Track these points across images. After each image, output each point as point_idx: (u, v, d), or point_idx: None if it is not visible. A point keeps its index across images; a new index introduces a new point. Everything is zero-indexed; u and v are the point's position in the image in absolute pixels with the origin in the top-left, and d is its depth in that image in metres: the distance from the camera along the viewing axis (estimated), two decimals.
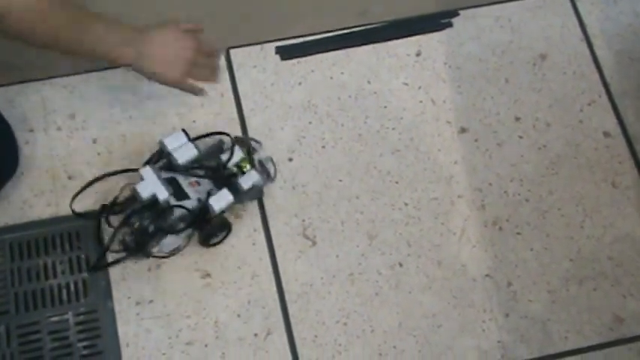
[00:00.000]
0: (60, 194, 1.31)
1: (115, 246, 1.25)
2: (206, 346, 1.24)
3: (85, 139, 1.35)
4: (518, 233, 1.35)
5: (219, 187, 1.26)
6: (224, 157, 1.28)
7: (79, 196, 1.30)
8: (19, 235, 1.29)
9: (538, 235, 1.35)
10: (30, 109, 1.36)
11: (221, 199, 1.24)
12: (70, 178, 1.32)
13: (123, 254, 1.25)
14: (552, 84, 1.45)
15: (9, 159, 1.30)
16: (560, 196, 1.38)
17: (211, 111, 1.38)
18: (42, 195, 1.31)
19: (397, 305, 1.29)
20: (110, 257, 1.27)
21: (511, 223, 1.36)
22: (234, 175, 1.27)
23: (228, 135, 1.32)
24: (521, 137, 1.41)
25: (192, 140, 1.28)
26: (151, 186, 1.21)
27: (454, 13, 1.49)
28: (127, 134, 1.35)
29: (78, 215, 1.28)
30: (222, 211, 1.26)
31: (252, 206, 1.33)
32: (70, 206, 1.29)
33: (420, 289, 1.30)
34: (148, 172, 1.22)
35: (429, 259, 1.32)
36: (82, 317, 1.25)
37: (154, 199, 1.21)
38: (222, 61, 1.42)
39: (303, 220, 1.33)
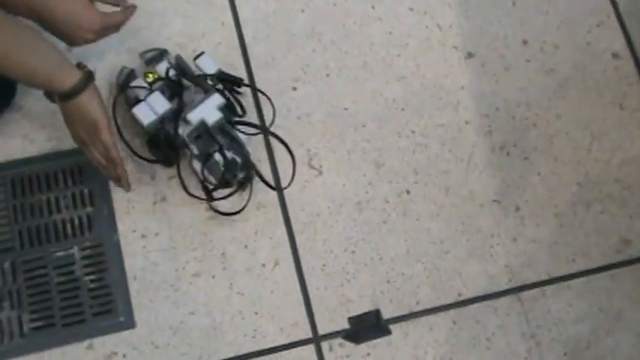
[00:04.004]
0: (60, 128, 1.27)
1: None
2: (213, 277, 1.24)
3: None
4: (525, 158, 1.34)
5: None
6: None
7: None
8: (21, 171, 1.26)
9: (545, 160, 1.34)
10: None
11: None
12: None
13: None
14: (560, 5, 1.43)
15: (4, 86, 1.26)
16: (567, 120, 1.36)
17: (212, 40, 1.35)
18: (42, 130, 1.28)
19: (405, 232, 1.29)
20: None
21: (518, 148, 1.34)
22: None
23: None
24: (528, 61, 1.39)
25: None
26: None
27: None
28: (127, 66, 1.31)
29: None
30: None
31: (256, 137, 1.31)
32: None
33: (427, 216, 1.30)
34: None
35: (437, 186, 1.31)
36: (87, 251, 1.24)
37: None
38: None
39: (309, 150, 1.31)
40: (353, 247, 1.28)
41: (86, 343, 1.19)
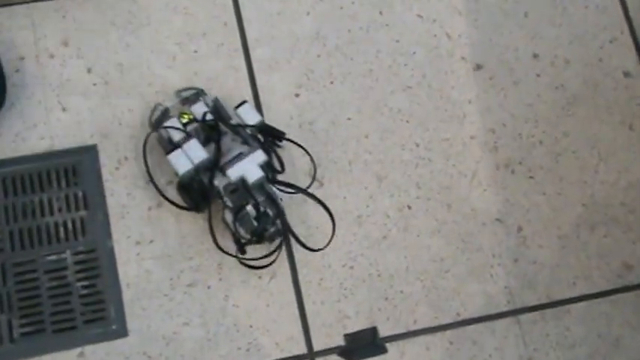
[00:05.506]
0: (54, 127, 1.25)
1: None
2: (209, 287, 1.22)
3: (80, 68, 1.28)
4: (530, 177, 1.32)
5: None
6: None
7: None
8: (13, 170, 1.23)
9: (551, 179, 1.32)
10: (19, 34, 1.28)
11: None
12: (64, 110, 1.26)
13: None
14: (573, 19, 1.39)
15: None
16: (575, 139, 1.34)
17: (214, 41, 1.31)
18: (35, 128, 1.25)
19: (405, 249, 1.27)
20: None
21: (524, 166, 1.32)
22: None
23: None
24: (538, 75, 1.36)
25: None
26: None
27: None
28: (124, 63, 1.28)
29: None
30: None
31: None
32: None
33: (428, 233, 1.28)
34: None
35: (439, 202, 1.29)
36: (80, 256, 1.21)
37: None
38: None
39: (310, 160, 1.28)
40: (352, 262, 1.26)
41: (77, 350, 1.18)
